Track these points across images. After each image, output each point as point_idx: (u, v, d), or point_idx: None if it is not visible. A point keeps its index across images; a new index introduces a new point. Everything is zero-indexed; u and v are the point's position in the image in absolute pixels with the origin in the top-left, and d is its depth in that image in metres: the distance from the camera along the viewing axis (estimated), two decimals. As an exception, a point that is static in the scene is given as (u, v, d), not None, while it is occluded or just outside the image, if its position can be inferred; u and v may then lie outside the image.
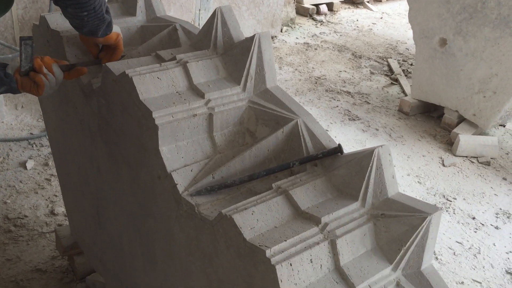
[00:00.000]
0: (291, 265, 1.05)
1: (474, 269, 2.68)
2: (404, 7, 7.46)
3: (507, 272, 2.67)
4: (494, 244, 2.87)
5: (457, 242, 2.85)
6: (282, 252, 1.06)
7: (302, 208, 1.17)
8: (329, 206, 1.19)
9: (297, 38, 5.76)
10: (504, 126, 4.17)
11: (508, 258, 2.77)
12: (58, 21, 1.72)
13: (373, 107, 4.32)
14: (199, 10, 4.71)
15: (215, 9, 1.52)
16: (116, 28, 1.59)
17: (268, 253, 1.04)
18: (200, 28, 1.58)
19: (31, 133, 3.31)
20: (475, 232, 2.96)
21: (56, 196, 2.78)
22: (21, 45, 1.43)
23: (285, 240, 1.07)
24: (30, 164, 2.99)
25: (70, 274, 2.29)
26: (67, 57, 1.65)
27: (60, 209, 2.69)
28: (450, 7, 3.69)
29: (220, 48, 1.51)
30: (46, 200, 2.75)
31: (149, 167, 1.38)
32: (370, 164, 1.19)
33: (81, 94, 1.66)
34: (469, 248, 2.83)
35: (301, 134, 1.34)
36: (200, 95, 1.38)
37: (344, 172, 1.24)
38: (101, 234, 1.90)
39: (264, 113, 1.41)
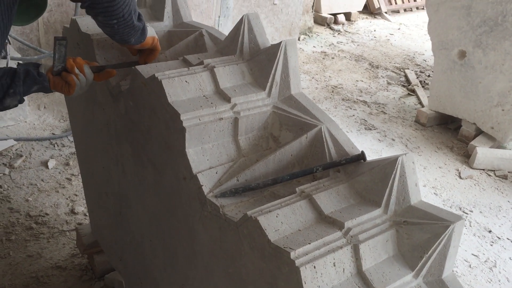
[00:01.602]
0: (315, 267, 1.07)
1: (489, 282, 2.67)
2: (421, 19, 7.47)
3: (523, 287, 2.66)
4: (510, 258, 2.85)
5: (473, 254, 2.84)
6: (306, 254, 1.08)
7: (326, 213, 1.19)
8: (352, 211, 1.20)
9: (314, 46, 5.80)
10: (522, 140, 4.14)
11: (525, 273, 2.76)
12: (89, 24, 1.77)
13: (390, 117, 4.32)
14: (219, 16, 4.76)
15: (242, 16, 1.55)
16: (151, 32, 1.62)
17: (292, 255, 1.06)
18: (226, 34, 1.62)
19: (53, 133, 3.37)
20: (491, 245, 2.95)
21: (76, 195, 2.83)
22: (55, 45, 1.48)
23: (309, 243, 1.10)
24: (51, 164, 3.05)
25: (89, 272, 2.33)
26: (96, 60, 1.69)
27: (80, 208, 2.73)
28: (471, 19, 3.70)
29: (246, 54, 1.54)
30: (67, 199, 2.80)
31: (174, 168, 1.41)
32: (394, 172, 1.21)
33: (109, 96, 1.70)
34: (485, 261, 2.81)
35: (324, 141, 1.37)
36: (227, 99, 1.41)
37: (368, 179, 1.26)
38: (122, 233, 1.94)
39: (288, 119, 1.44)
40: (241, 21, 1.55)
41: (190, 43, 1.73)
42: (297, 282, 1.05)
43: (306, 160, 1.40)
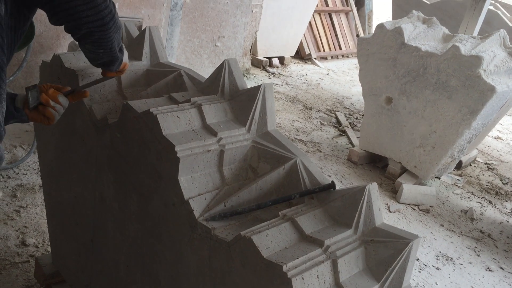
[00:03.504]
0: (303, 279, 1.24)
1: (420, 305, 2.97)
2: (347, 66, 8.09)
3: (448, 308, 2.98)
4: (436, 283, 3.18)
5: (404, 280, 3.14)
6: (295, 268, 1.25)
7: (307, 233, 1.38)
8: (328, 232, 1.40)
9: (252, 87, 6.09)
10: (439, 178, 4.63)
11: (449, 296, 3.09)
12: (72, 61, 1.88)
13: (325, 155, 4.66)
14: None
15: (223, 61, 1.75)
16: (125, 58, 1.73)
17: (284, 268, 1.23)
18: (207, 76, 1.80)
19: (-3, 164, 3.30)
20: (419, 272, 3.27)
21: (26, 227, 2.80)
22: (27, 94, 1.55)
23: (297, 258, 1.27)
24: (-3, 195, 2.99)
25: (46, 304, 2.31)
26: (80, 93, 1.80)
27: (31, 240, 2.71)
28: (396, 70, 4.16)
29: (227, 94, 1.73)
30: (16, 231, 2.76)
31: (163, 195, 1.54)
32: (362, 198, 1.43)
33: (92, 128, 1.80)
34: (415, 286, 3.12)
35: (299, 171, 1.57)
36: (213, 133, 1.58)
37: (339, 204, 1.47)
38: (92, 261, 1.99)
39: (266, 152, 1.63)
40: (222, 65, 1.74)
41: (170, 82, 1.89)
42: (288, 292, 1.22)
43: (282, 188, 1.60)
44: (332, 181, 1.53)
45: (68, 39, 4.08)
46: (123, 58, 1.71)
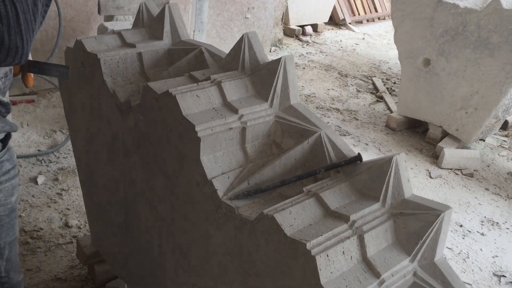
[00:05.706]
0: (327, 256, 1.22)
1: (464, 272, 2.89)
2: (384, 29, 7.82)
3: (494, 275, 2.89)
4: (481, 249, 3.08)
5: (447, 248, 3.06)
6: (320, 245, 1.22)
7: (332, 208, 1.35)
8: (354, 206, 1.36)
9: (285, 57, 5.99)
10: (483, 140, 4.44)
11: (494, 262, 2.99)
12: (94, 45, 1.88)
13: (362, 123, 4.55)
14: (194, 31, 4.91)
15: (243, 35, 1.70)
16: None
17: (308, 245, 1.21)
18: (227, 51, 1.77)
19: (39, 150, 3.41)
20: (463, 238, 3.18)
21: (68, 209, 2.89)
22: None
23: (321, 235, 1.24)
24: (40, 179, 3.10)
25: (89, 282, 2.40)
26: (103, 77, 1.81)
27: (74, 221, 2.80)
28: (433, 30, 3.97)
29: (248, 69, 1.69)
30: (59, 213, 2.86)
31: (187, 175, 1.54)
32: (390, 170, 1.38)
33: (117, 111, 1.81)
34: (459, 253, 3.04)
35: (324, 145, 1.53)
36: (234, 110, 1.55)
37: (366, 177, 1.42)
38: (127, 241, 2.03)
39: (290, 127, 1.59)
40: (241, 40, 1.69)
41: (191, 60, 1.87)
42: (313, 270, 1.20)
43: (307, 163, 1.56)
44: (359, 153, 1.48)
45: (98, 22, 4.11)
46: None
